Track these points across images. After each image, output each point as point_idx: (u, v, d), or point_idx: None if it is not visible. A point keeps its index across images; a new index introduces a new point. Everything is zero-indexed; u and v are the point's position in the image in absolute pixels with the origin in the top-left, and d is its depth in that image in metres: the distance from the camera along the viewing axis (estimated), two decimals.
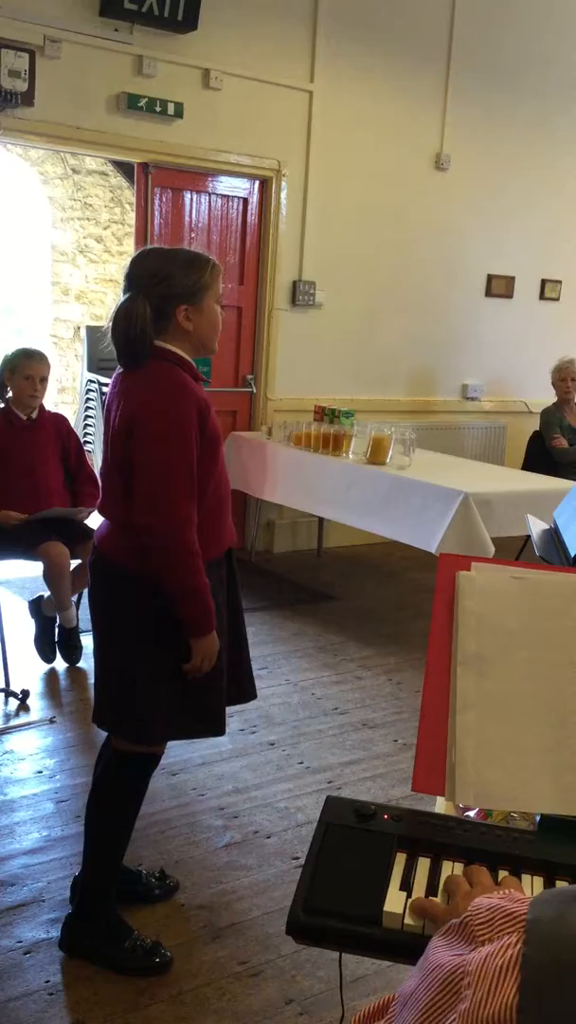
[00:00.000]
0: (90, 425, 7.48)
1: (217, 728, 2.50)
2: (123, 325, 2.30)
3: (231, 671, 2.54)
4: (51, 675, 4.33)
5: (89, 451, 6.45)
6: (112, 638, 2.44)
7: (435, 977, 0.79)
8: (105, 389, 7.00)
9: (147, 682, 2.37)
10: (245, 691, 2.66)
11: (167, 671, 2.37)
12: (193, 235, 5.90)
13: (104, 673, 2.48)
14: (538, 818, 1.49)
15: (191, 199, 5.89)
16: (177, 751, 3.57)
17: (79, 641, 4.41)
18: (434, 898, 1.27)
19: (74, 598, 4.31)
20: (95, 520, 2.70)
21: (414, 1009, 0.81)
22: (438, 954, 0.81)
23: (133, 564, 2.34)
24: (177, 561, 2.27)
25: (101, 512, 2.47)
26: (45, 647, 4.42)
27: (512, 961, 0.73)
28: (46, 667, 4.38)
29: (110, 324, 2.35)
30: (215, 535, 2.42)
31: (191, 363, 2.38)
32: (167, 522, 2.25)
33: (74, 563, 4.19)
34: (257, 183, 6.11)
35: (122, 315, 2.30)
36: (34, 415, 4.35)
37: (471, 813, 1.59)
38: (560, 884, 1.35)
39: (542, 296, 7.62)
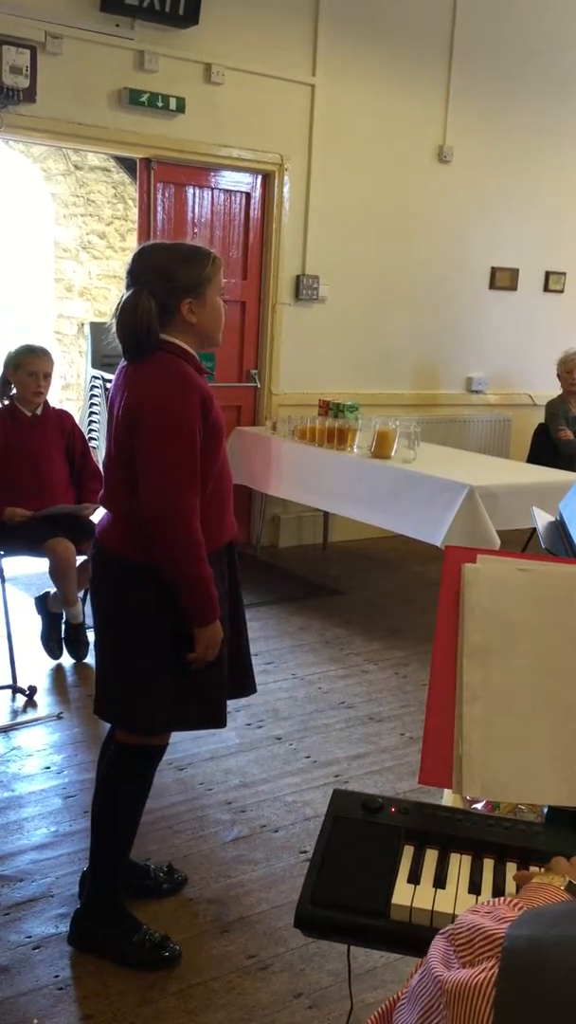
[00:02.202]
0: (94, 421, 7.48)
1: (218, 719, 2.50)
2: (129, 320, 2.30)
3: (231, 665, 2.54)
4: (58, 671, 4.34)
5: (94, 447, 6.45)
6: (113, 629, 2.44)
7: (426, 983, 0.79)
8: (109, 385, 7.00)
9: (148, 673, 2.38)
10: (245, 685, 2.66)
11: (168, 662, 2.38)
12: (196, 230, 5.90)
13: (105, 664, 2.49)
14: (545, 810, 1.49)
15: (194, 194, 5.88)
16: (184, 746, 3.58)
17: (85, 637, 4.41)
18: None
19: (80, 594, 4.32)
20: (100, 515, 2.70)
21: (416, 1007, 0.81)
22: (433, 958, 0.82)
23: (134, 555, 2.35)
24: (181, 551, 2.28)
25: (103, 503, 2.48)
26: (52, 643, 4.43)
27: (486, 989, 0.73)
28: (53, 663, 4.39)
29: (115, 319, 2.35)
30: (216, 527, 2.42)
31: (195, 356, 2.39)
32: (170, 512, 2.26)
33: (80, 559, 4.20)
34: (260, 177, 6.10)
35: (128, 309, 2.31)
36: (38, 411, 4.36)
37: (478, 805, 1.59)
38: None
39: (546, 288, 7.60)
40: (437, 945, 0.83)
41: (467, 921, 0.81)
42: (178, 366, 2.32)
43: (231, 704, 2.57)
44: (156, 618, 2.37)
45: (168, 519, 2.26)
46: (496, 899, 0.86)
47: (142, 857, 2.83)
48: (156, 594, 2.35)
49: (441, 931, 0.84)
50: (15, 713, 3.90)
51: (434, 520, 4.67)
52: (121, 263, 8.49)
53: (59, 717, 3.87)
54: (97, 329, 7.82)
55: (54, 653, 4.42)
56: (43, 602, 4.45)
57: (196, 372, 2.35)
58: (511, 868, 1.36)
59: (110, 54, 5.28)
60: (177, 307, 2.33)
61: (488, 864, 1.37)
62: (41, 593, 4.49)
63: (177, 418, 2.26)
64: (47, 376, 4.32)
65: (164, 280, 2.32)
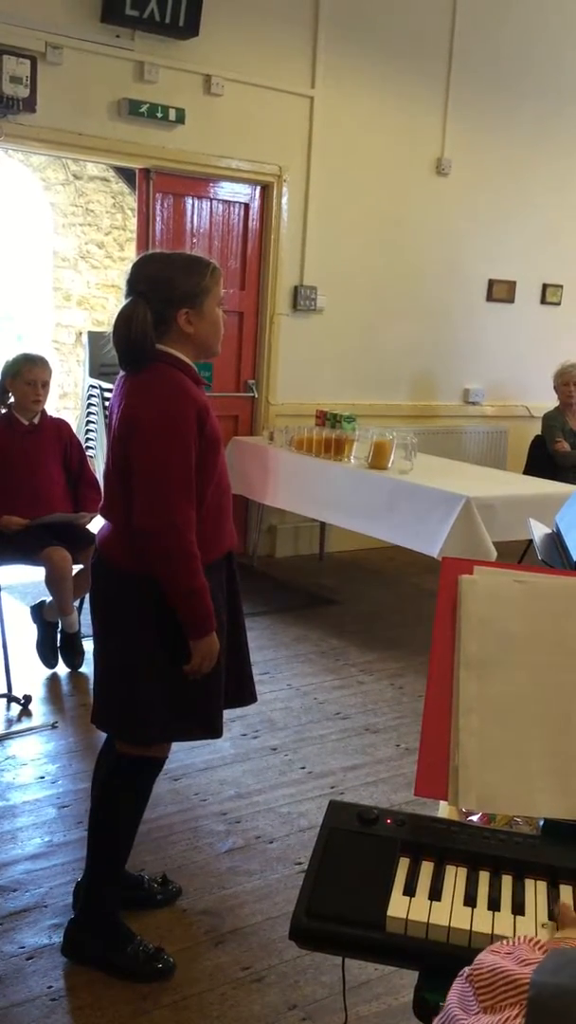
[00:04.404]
0: (92, 430, 7.48)
1: (214, 731, 2.50)
2: (124, 330, 2.31)
3: (231, 675, 2.54)
4: (53, 680, 4.33)
5: (91, 456, 6.45)
6: (112, 639, 2.44)
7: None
8: (107, 394, 7.01)
9: (146, 683, 2.37)
10: (245, 695, 2.66)
11: (166, 673, 2.37)
12: (195, 240, 5.91)
13: (103, 674, 2.48)
14: (541, 823, 1.49)
15: (192, 205, 5.90)
16: (179, 756, 3.57)
17: (81, 646, 4.40)
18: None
19: (76, 603, 4.31)
20: (97, 525, 2.70)
21: None
22: (452, 1003, 0.78)
23: (134, 566, 2.34)
24: (176, 563, 2.27)
25: (103, 514, 2.48)
26: (47, 652, 4.42)
27: None
28: (48, 672, 4.38)
29: (112, 329, 2.35)
30: (215, 538, 2.42)
31: (192, 366, 2.39)
32: (166, 524, 2.26)
33: (76, 568, 4.19)
34: (258, 188, 6.11)
35: (123, 320, 2.31)
36: (36, 420, 4.36)
37: (474, 818, 1.59)
38: (564, 889, 1.34)
39: (543, 300, 7.62)
40: (456, 988, 0.80)
41: (488, 962, 0.78)
42: (174, 378, 2.32)
43: (226, 714, 2.57)
44: (155, 629, 2.36)
45: (163, 531, 2.26)
46: (517, 938, 0.82)
47: (136, 868, 2.82)
48: (155, 605, 2.34)
49: (460, 973, 0.81)
50: (10, 722, 3.89)
51: (430, 531, 4.67)
52: (119, 273, 8.51)
53: (54, 727, 3.85)
54: (95, 338, 7.83)
55: (49, 662, 4.41)
56: (39, 611, 4.44)
57: (193, 383, 2.35)
58: (507, 881, 1.36)
59: (110, 65, 5.30)
60: (174, 317, 2.33)
61: (484, 877, 1.36)
62: (37, 602, 4.48)
63: (172, 431, 2.26)
64: (45, 385, 4.32)
65: (161, 290, 2.32)
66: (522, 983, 0.73)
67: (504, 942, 0.82)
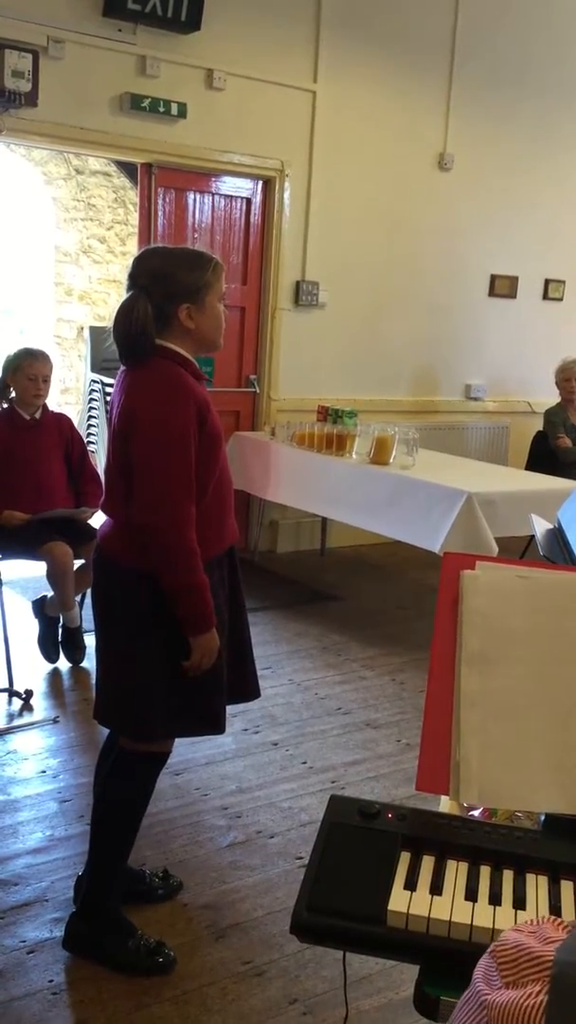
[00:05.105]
0: (93, 425, 7.48)
1: (217, 727, 2.50)
2: (124, 323, 2.30)
3: (234, 670, 2.54)
4: (54, 675, 4.33)
5: (92, 451, 6.45)
6: (113, 635, 2.44)
7: (471, 1001, 0.78)
8: (108, 390, 7.00)
9: (147, 679, 2.37)
10: (248, 690, 2.66)
11: (167, 669, 2.37)
12: (196, 235, 5.90)
13: (105, 670, 2.49)
14: (542, 817, 1.49)
15: (194, 199, 5.89)
16: (180, 751, 3.57)
17: (82, 641, 4.41)
18: None
19: (77, 598, 4.31)
20: (98, 520, 2.70)
21: (459, 1020, 0.80)
22: (478, 977, 0.80)
23: (135, 562, 2.34)
24: (175, 559, 2.27)
25: (104, 510, 2.48)
26: (48, 647, 4.42)
27: (535, 1014, 0.71)
28: (49, 667, 4.38)
29: (112, 322, 2.35)
30: (216, 533, 2.42)
31: (193, 362, 2.38)
32: (165, 520, 2.25)
33: (77, 563, 4.19)
34: (260, 183, 6.10)
35: (123, 313, 2.31)
36: (37, 415, 4.36)
37: (475, 812, 1.59)
38: (565, 884, 1.35)
39: (545, 296, 7.61)
40: (481, 963, 0.81)
41: (511, 939, 0.79)
42: (174, 373, 2.31)
43: (227, 709, 2.57)
44: (156, 625, 2.36)
45: (162, 528, 2.26)
46: (541, 918, 0.84)
47: (137, 862, 2.83)
48: (156, 601, 2.34)
49: (488, 950, 0.82)
50: (11, 717, 3.89)
51: (432, 527, 4.67)
52: (121, 267, 8.50)
53: (55, 721, 3.86)
54: (96, 333, 7.82)
55: (51, 657, 4.42)
56: (40, 606, 4.44)
57: (194, 378, 2.35)
58: (507, 875, 1.36)
59: (112, 59, 5.29)
60: (175, 312, 2.32)
61: (485, 871, 1.36)
62: (38, 597, 4.49)
63: (171, 427, 2.25)
64: (46, 380, 4.32)
65: (162, 284, 2.32)
66: (545, 960, 0.75)
67: (529, 921, 0.84)
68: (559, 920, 0.84)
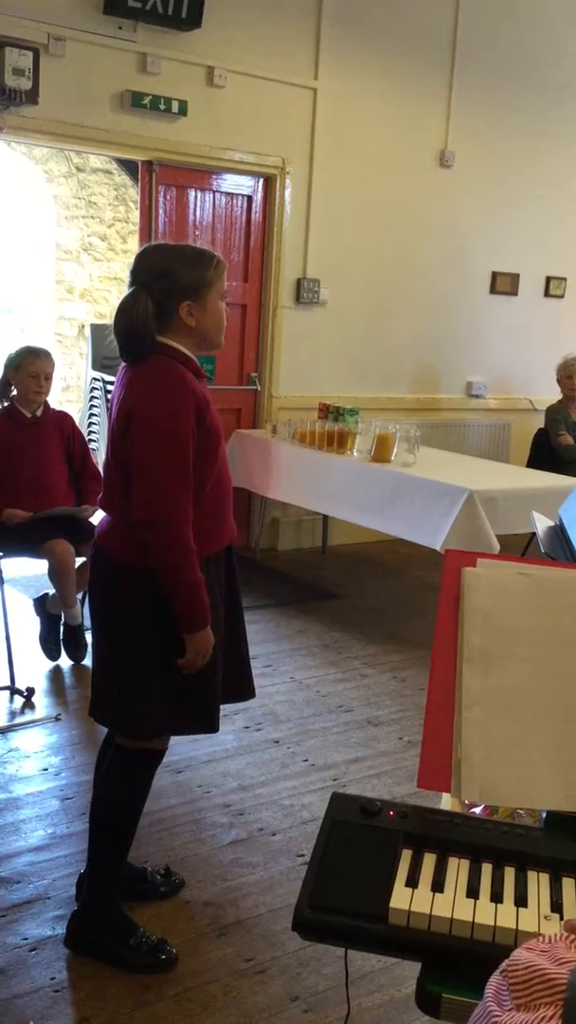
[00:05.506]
0: (94, 423, 7.48)
1: (211, 725, 2.49)
2: (124, 320, 2.30)
3: (229, 669, 2.53)
4: (56, 672, 4.33)
5: (93, 449, 6.45)
6: (109, 632, 2.44)
7: (482, 1019, 0.77)
8: (109, 387, 7.00)
9: (142, 677, 2.37)
10: (244, 690, 2.65)
11: (163, 666, 2.37)
12: (197, 233, 5.90)
13: (101, 667, 2.49)
14: (544, 815, 1.49)
15: (195, 197, 5.89)
16: (182, 748, 3.57)
17: (84, 639, 4.41)
18: None
19: (79, 596, 4.31)
20: (99, 518, 2.70)
21: None
22: (489, 997, 0.78)
23: (132, 559, 2.34)
24: (171, 557, 2.27)
25: (102, 506, 2.48)
26: (50, 645, 4.42)
27: None
28: (51, 664, 4.39)
29: (113, 319, 2.35)
30: (215, 531, 2.41)
31: (193, 359, 2.38)
32: (162, 517, 2.25)
33: (79, 561, 4.19)
34: (261, 181, 6.10)
35: (124, 310, 2.30)
36: (38, 412, 4.36)
37: (477, 810, 1.59)
38: (567, 881, 1.35)
39: (547, 293, 7.60)
40: (493, 982, 0.80)
41: (523, 959, 0.77)
42: (174, 371, 2.31)
43: (229, 707, 2.57)
44: (151, 622, 2.36)
45: (158, 525, 2.25)
46: (552, 936, 0.82)
47: (139, 860, 2.83)
48: (152, 598, 2.34)
49: (499, 968, 0.81)
50: (13, 714, 3.90)
51: (433, 524, 4.67)
52: (122, 265, 8.50)
53: (57, 719, 3.86)
54: (97, 331, 7.82)
55: (52, 654, 4.42)
56: (42, 603, 4.45)
57: (194, 376, 2.34)
58: (509, 873, 1.36)
59: (112, 56, 5.28)
60: (175, 309, 2.32)
61: (486, 868, 1.36)
62: (40, 594, 4.49)
63: (169, 424, 2.25)
64: (48, 377, 4.32)
65: (163, 281, 2.31)
66: (559, 984, 0.73)
67: (540, 939, 0.82)
68: (572, 938, 0.82)
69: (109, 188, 8.70)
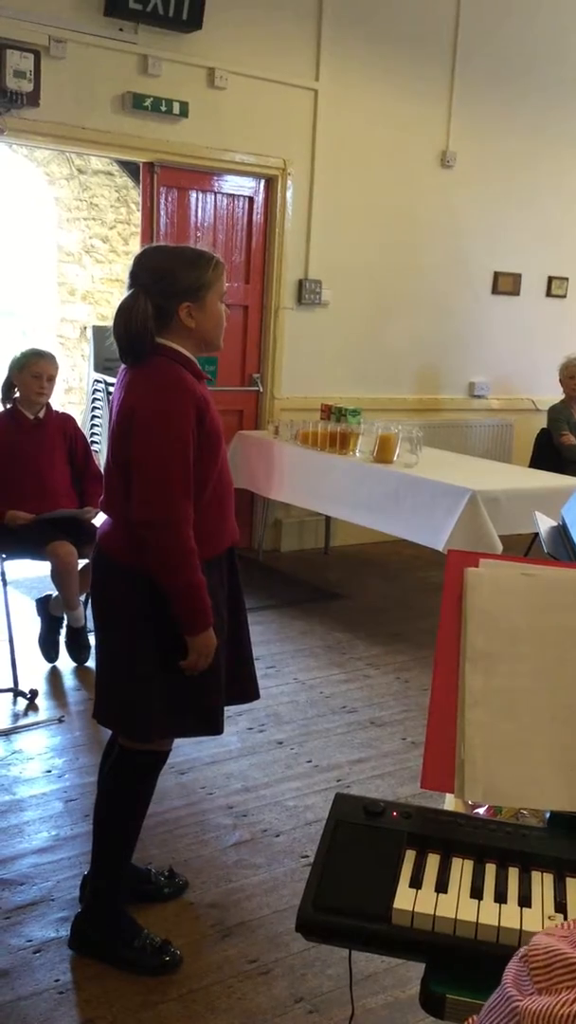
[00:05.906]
0: (96, 425, 7.48)
1: (215, 727, 2.49)
2: (124, 321, 2.30)
3: (232, 671, 2.53)
4: (59, 674, 4.33)
5: (96, 451, 6.45)
6: (111, 633, 2.44)
7: (500, 1005, 0.77)
8: (111, 389, 7.00)
9: (145, 679, 2.37)
10: (247, 691, 2.65)
11: (165, 668, 2.37)
12: (199, 234, 5.90)
13: (103, 669, 2.48)
14: (548, 815, 1.49)
15: (197, 198, 5.89)
16: (185, 750, 3.57)
17: (87, 640, 4.41)
18: None
19: (82, 597, 4.31)
20: (101, 519, 2.70)
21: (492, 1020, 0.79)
22: (508, 981, 0.79)
23: (133, 561, 2.34)
24: (172, 558, 2.27)
25: (103, 508, 2.47)
26: (48, 646, 4.42)
27: (571, 1022, 0.70)
28: (55, 667, 4.38)
29: (113, 321, 2.35)
30: (216, 533, 2.41)
31: (193, 360, 2.38)
32: (162, 517, 2.25)
33: (82, 563, 4.19)
34: (263, 182, 6.10)
35: (123, 311, 2.30)
36: (41, 414, 4.36)
37: (480, 810, 1.59)
38: (571, 881, 1.35)
39: (549, 293, 7.60)
40: (511, 967, 0.80)
41: (543, 943, 0.78)
42: (173, 372, 2.31)
43: (232, 708, 2.57)
44: (153, 624, 2.36)
45: (159, 526, 2.25)
46: (572, 921, 0.83)
47: (143, 861, 2.83)
48: (154, 600, 2.34)
49: (516, 953, 0.81)
50: (16, 716, 3.90)
51: (436, 525, 4.67)
52: (124, 267, 8.50)
53: (60, 721, 3.86)
54: (99, 333, 7.82)
55: (50, 656, 4.42)
56: (44, 605, 4.45)
57: (194, 377, 2.34)
58: (513, 873, 1.36)
59: (114, 58, 5.29)
60: (175, 310, 2.32)
61: (490, 869, 1.36)
62: (42, 596, 4.49)
63: (169, 426, 2.25)
64: (51, 379, 4.33)
65: (162, 282, 2.31)
66: None
67: (560, 924, 0.83)
68: None
69: (110, 190, 8.70)
